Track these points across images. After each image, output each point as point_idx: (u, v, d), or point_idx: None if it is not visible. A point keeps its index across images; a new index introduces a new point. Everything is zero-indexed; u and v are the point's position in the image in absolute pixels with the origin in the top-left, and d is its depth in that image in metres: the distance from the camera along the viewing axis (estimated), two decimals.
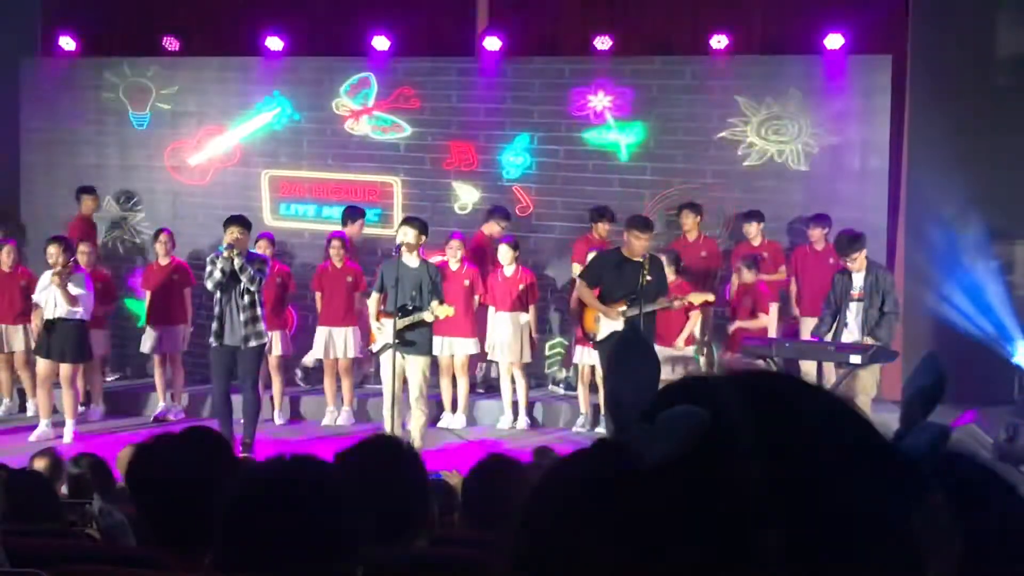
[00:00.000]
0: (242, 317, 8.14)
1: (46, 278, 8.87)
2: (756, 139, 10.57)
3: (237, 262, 8.04)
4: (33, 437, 8.72)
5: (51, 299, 8.78)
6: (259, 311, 8.24)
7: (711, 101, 10.65)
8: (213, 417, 8.48)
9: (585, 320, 8.67)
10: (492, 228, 10.29)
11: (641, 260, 8.27)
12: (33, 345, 9.39)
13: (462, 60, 11.12)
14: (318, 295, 9.97)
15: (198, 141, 11.38)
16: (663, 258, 8.77)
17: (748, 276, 9.37)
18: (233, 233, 8.12)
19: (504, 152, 10.92)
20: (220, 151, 11.36)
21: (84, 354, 9.01)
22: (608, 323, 8.25)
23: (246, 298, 8.13)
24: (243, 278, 8.07)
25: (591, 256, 9.13)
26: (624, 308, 8.16)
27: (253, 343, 8.22)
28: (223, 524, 1.82)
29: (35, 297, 9.05)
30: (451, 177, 11.02)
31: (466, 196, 11.03)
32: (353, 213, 10.44)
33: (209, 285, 8.23)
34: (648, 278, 8.21)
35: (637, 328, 0.81)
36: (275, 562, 1.77)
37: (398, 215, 10.62)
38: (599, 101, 10.79)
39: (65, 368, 8.89)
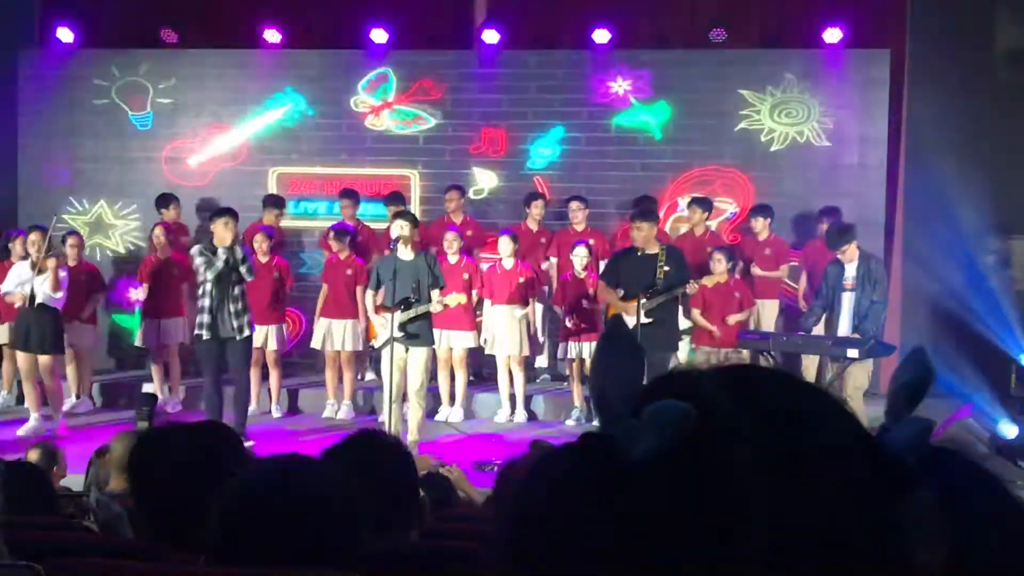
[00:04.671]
0: (233, 308, 8.24)
1: (22, 270, 8.84)
2: (771, 123, 10.62)
3: (239, 253, 8.16)
4: (22, 431, 8.62)
5: (28, 290, 8.74)
6: (247, 303, 8.38)
7: (718, 92, 10.67)
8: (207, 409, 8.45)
9: (608, 317, 8.76)
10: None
11: (657, 252, 8.23)
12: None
13: (476, 52, 11.04)
14: (324, 287, 9.95)
15: (202, 139, 11.29)
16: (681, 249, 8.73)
17: (720, 269, 8.87)
18: (230, 225, 8.19)
19: (535, 143, 10.91)
20: (226, 149, 11.26)
21: (61, 345, 8.99)
22: (631, 319, 8.06)
23: (237, 290, 8.26)
24: (243, 269, 8.21)
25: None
26: (643, 301, 8.09)
27: (244, 334, 8.35)
28: (219, 524, 1.81)
29: (5, 288, 8.95)
30: (471, 164, 10.98)
31: (484, 182, 11.00)
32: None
33: (210, 275, 8.15)
34: (666, 268, 8.16)
35: (622, 323, 0.81)
36: (272, 561, 1.77)
37: (416, 209, 10.56)
38: (619, 86, 10.79)
39: (44, 360, 8.83)
